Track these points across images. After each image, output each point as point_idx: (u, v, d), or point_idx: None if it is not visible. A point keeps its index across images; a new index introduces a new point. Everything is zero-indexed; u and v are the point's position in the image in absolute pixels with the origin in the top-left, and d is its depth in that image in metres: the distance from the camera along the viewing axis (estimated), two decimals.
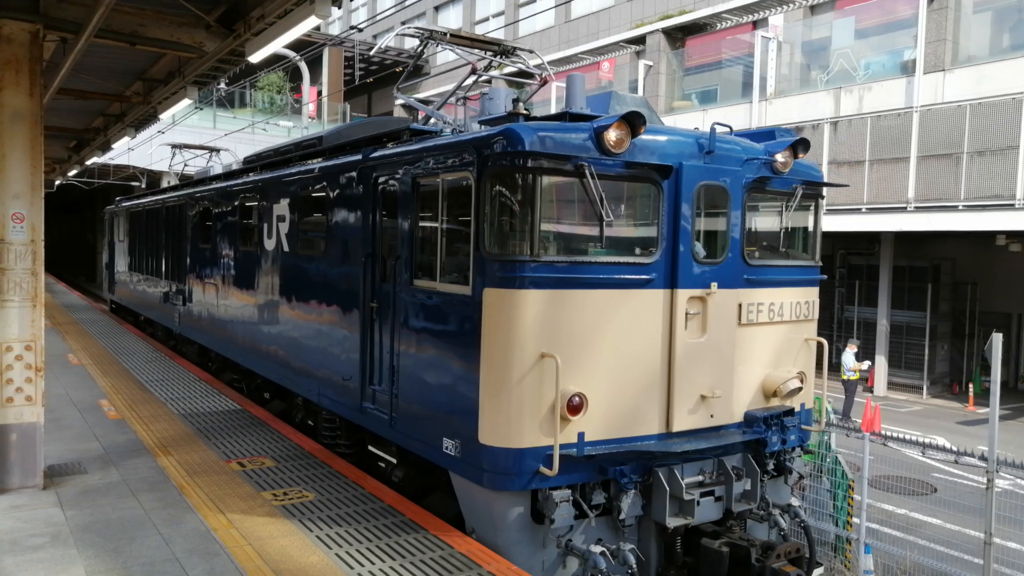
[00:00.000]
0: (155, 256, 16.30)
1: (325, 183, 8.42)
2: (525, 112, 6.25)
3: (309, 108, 35.51)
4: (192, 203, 13.61)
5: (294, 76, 36.28)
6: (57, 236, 60.10)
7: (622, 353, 6.01)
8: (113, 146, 15.30)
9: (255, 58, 7.16)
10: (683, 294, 6.22)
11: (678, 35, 27.88)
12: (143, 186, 30.31)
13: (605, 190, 5.81)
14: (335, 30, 46.68)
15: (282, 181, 9.70)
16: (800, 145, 6.80)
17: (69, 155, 19.28)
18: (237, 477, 7.42)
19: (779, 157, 6.75)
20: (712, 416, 6.46)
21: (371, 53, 37.73)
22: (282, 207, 9.57)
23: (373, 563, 5.58)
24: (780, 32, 24.17)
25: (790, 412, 6.85)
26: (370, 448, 7.94)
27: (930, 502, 11.00)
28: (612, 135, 5.79)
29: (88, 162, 19.89)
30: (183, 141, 19.36)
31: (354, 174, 7.77)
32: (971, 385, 20.05)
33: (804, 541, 6.74)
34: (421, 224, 6.79)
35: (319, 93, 37.90)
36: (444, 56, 41.44)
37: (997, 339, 7.96)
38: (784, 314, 6.97)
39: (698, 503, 6.13)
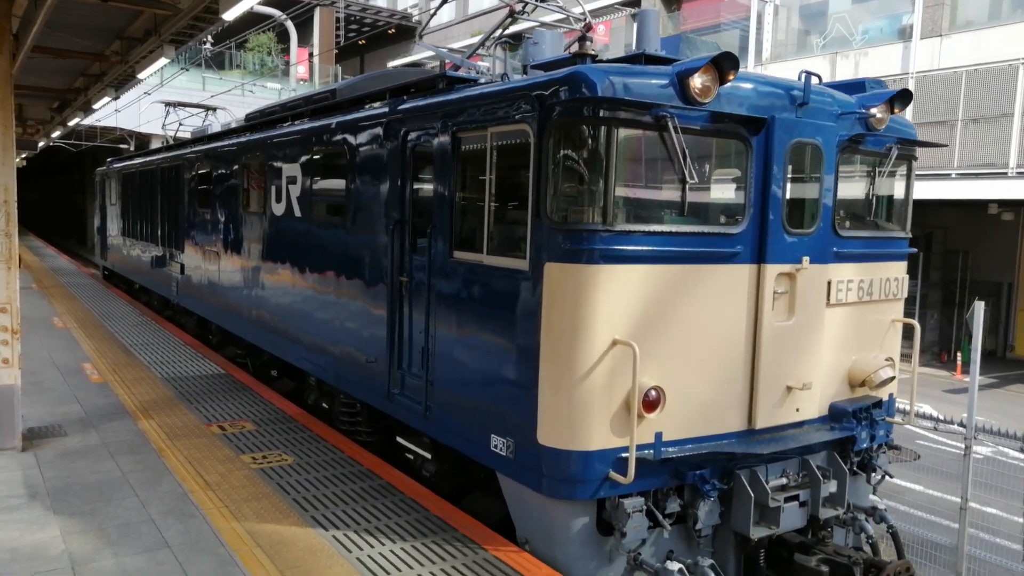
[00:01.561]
0: (150, 220, 15.51)
1: (344, 140, 7.53)
2: (592, 53, 5.35)
3: (299, 70, 34.98)
4: (190, 164, 12.68)
5: (285, 37, 35.68)
6: (46, 199, 59.66)
7: (702, 338, 5.23)
8: (95, 107, 15.05)
9: (229, 15, 6.99)
10: (772, 270, 5.39)
11: (675, 4, 27.41)
12: (131, 148, 29.97)
13: (688, 147, 4.97)
14: None
15: (292, 139, 8.76)
16: (899, 99, 5.99)
17: (52, 116, 19.00)
18: (217, 440, 7.42)
19: (876, 112, 5.94)
20: (798, 410, 5.68)
21: None
22: (292, 168, 8.67)
23: (348, 525, 5.60)
24: None
25: (878, 404, 6.14)
26: (399, 439, 7.18)
27: (913, 468, 11.11)
28: (698, 81, 4.92)
29: (71, 123, 19.59)
30: (172, 102, 18.75)
31: (380, 129, 6.87)
32: (959, 354, 20.17)
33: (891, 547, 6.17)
34: (463, 186, 5.94)
35: (310, 55, 37.34)
36: (436, 19, 40.75)
37: (979, 307, 7.94)
38: (873, 292, 6.19)
39: (782, 509, 5.38)
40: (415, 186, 6.51)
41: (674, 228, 5.11)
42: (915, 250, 6.68)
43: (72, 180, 53.49)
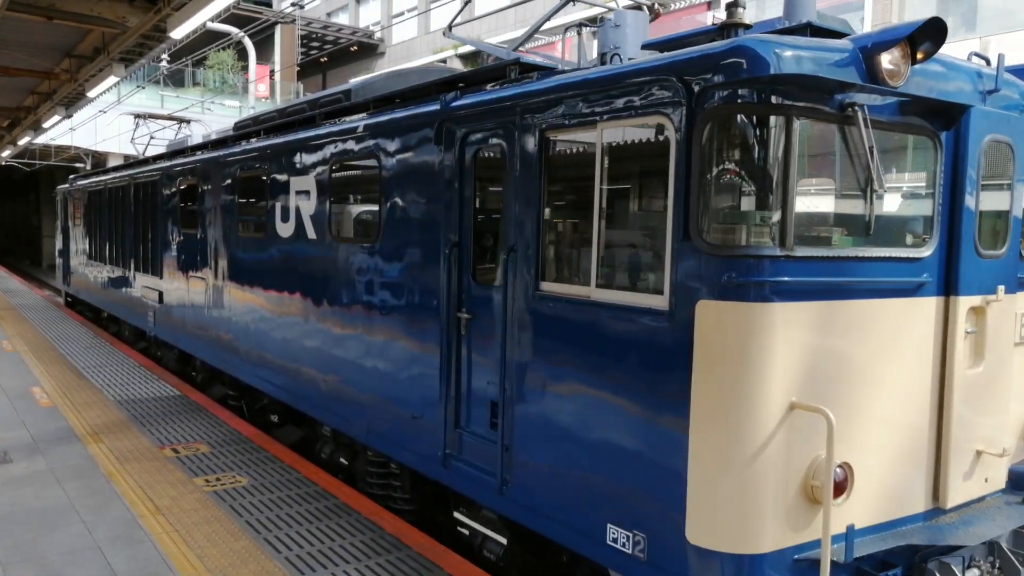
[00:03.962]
0: (122, 242, 14.03)
1: (375, 146, 6.32)
2: (747, 24, 4.23)
3: (261, 88, 34.78)
4: (170, 179, 11.27)
5: (246, 55, 35.52)
6: None
7: (884, 394, 4.14)
8: (45, 125, 14.79)
9: (177, 33, 6.96)
10: (963, 303, 4.29)
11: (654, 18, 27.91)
12: (87, 167, 29.44)
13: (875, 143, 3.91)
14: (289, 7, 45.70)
15: (304, 147, 7.44)
16: None
17: (2, 135, 18.61)
18: (170, 464, 7.29)
19: None
20: (987, 480, 4.54)
21: None
22: (304, 181, 7.36)
23: (302, 547, 5.54)
24: None
25: None
26: (457, 515, 5.83)
27: None
28: (887, 59, 3.84)
29: (21, 142, 19.20)
30: (130, 121, 17.90)
31: (428, 131, 5.71)
32: None
33: None
34: (556, 200, 4.89)
35: (271, 72, 37.17)
36: (399, 35, 40.95)
37: None
38: None
39: None
40: (479, 200, 5.42)
41: (861, 253, 4.02)
42: None
43: (27, 200, 52.36)
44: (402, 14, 40.11)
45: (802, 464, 3.82)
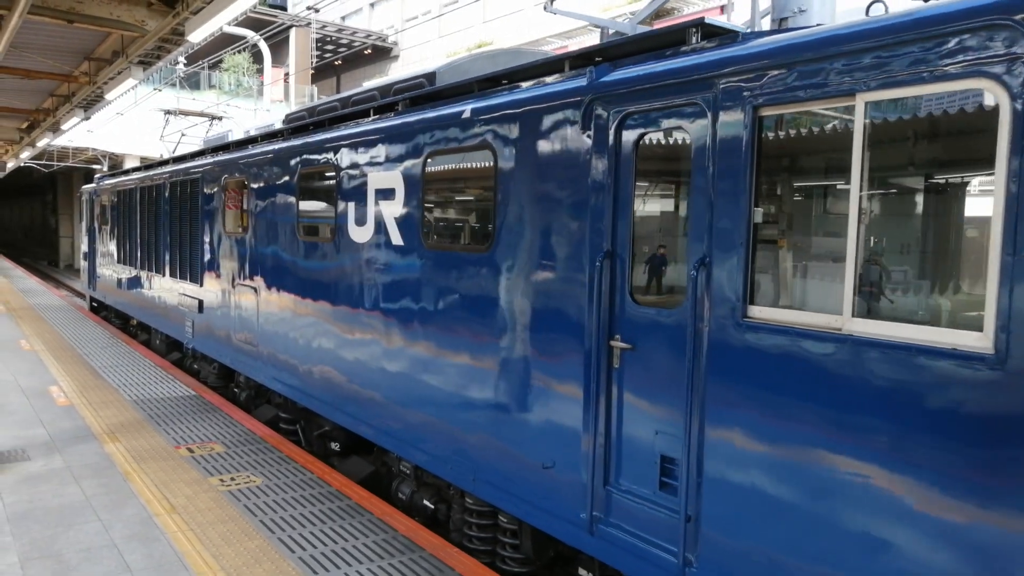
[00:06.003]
0: (156, 246, 13.19)
1: (490, 134, 5.31)
2: None
3: (275, 91, 35.04)
4: (214, 177, 10.37)
5: (261, 57, 35.79)
6: (16, 220, 59.02)
7: None
8: (64, 127, 14.95)
9: (195, 37, 7.02)
10: None
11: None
12: (104, 168, 29.76)
13: None
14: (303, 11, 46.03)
15: (386, 138, 6.45)
16: None
17: (21, 136, 18.86)
18: (185, 463, 7.35)
19: None
20: None
21: None
22: (387, 178, 6.40)
23: (315, 547, 5.57)
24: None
25: None
26: None
27: None
28: None
29: (40, 144, 19.44)
30: (148, 122, 17.83)
31: (568, 113, 4.69)
32: None
33: None
34: (778, 195, 4.02)
35: (286, 75, 37.43)
36: (411, 39, 41.12)
37: None
38: None
39: None
40: (643, 199, 4.45)
41: None
42: None
43: (44, 201, 52.96)
44: (416, 17, 40.30)
45: None
